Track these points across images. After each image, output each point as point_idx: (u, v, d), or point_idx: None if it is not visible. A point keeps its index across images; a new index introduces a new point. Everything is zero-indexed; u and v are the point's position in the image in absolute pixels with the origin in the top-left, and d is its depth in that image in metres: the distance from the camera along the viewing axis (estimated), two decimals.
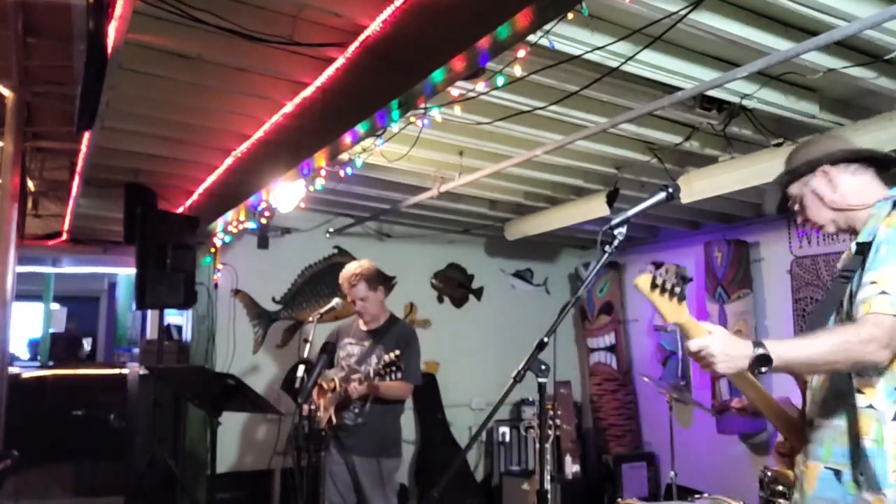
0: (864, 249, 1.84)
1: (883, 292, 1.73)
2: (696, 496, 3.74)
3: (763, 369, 1.71)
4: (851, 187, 1.98)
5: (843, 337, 1.72)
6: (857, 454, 1.75)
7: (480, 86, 3.12)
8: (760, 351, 1.70)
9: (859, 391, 1.78)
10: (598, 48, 2.82)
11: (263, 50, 2.93)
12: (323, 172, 4.20)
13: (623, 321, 6.54)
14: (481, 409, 6.45)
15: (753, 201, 5.13)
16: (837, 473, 1.80)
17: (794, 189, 2.07)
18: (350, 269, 4.12)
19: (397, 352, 3.69)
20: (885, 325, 1.70)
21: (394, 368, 3.65)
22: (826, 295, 2.02)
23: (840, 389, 1.83)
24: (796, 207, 2.08)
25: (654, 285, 1.82)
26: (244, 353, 5.72)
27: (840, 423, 1.82)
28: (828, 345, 1.72)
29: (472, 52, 2.45)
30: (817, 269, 4.95)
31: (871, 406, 1.76)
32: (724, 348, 1.74)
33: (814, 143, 2.14)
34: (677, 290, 1.84)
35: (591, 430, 6.57)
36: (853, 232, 1.97)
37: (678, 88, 3.15)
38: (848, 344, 1.70)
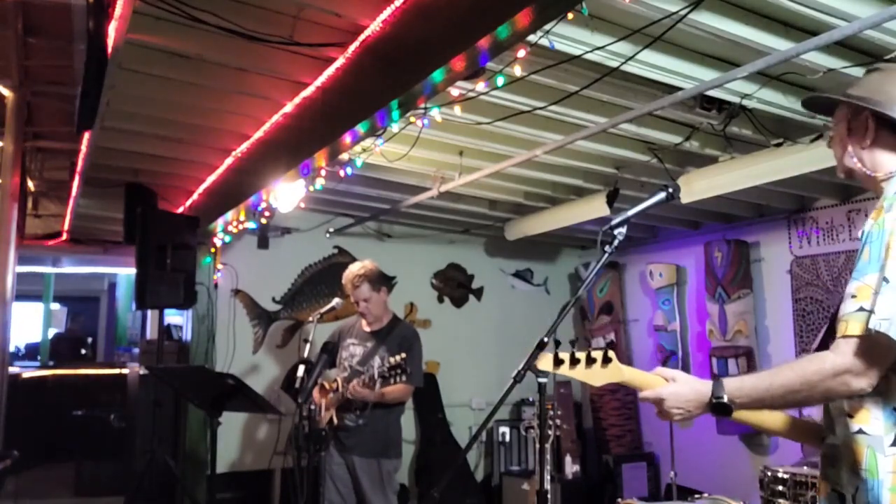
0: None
1: (861, 309, 1.50)
2: (696, 496, 3.74)
3: (723, 417, 1.63)
4: (889, 148, 1.71)
5: (805, 373, 1.55)
6: (856, 482, 1.58)
7: (480, 86, 3.12)
8: (718, 399, 1.61)
9: (849, 415, 1.59)
10: (598, 48, 2.82)
11: (263, 50, 2.93)
12: (323, 172, 4.20)
13: (623, 321, 6.54)
14: (481, 409, 6.44)
15: (753, 201, 5.14)
16: (841, 497, 1.64)
17: (840, 110, 1.82)
18: (353, 270, 4.12)
19: (403, 355, 3.69)
20: (858, 350, 1.50)
21: (398, 371, 3.65)
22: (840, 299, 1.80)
23: (838, 407, 1.66)
24: (831, 127, 1.86)
25: (557, 362, 1.73)
26: (244, 353, 5.72)
27: (842, 445, 1.65)
28: (787, 385, 1.57)
29: (472, 52, 2.46)
30: (817, 269, 4.95)
31: (861, 431, 1.56)
32: (678, 401, 1.67)
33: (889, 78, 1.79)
34: (596, 354, 1.74)
35: (591, 430, 6.57)
36: (878, 193, 1.71)
37: (678, 88, 3.15)
38: (811, 382, 1.54)
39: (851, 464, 1.60)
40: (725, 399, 1.61)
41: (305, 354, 3.86)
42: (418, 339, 4.11)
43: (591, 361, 1.74)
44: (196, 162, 4.60)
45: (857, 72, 3.01)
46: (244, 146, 4.06)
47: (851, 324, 1.52)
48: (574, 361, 1.74)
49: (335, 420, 3.98)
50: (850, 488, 1.61)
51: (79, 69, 3.48)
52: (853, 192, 4.72)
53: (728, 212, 5.36)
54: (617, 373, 1.75)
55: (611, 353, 1.75)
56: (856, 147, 1.76)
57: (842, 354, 1.52)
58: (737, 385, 1.63)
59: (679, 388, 1.69)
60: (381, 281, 4.15)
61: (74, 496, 6.67)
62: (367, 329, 4.16)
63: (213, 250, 5.77)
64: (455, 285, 6.69)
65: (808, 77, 3.10)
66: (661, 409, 1.70)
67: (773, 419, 1.87)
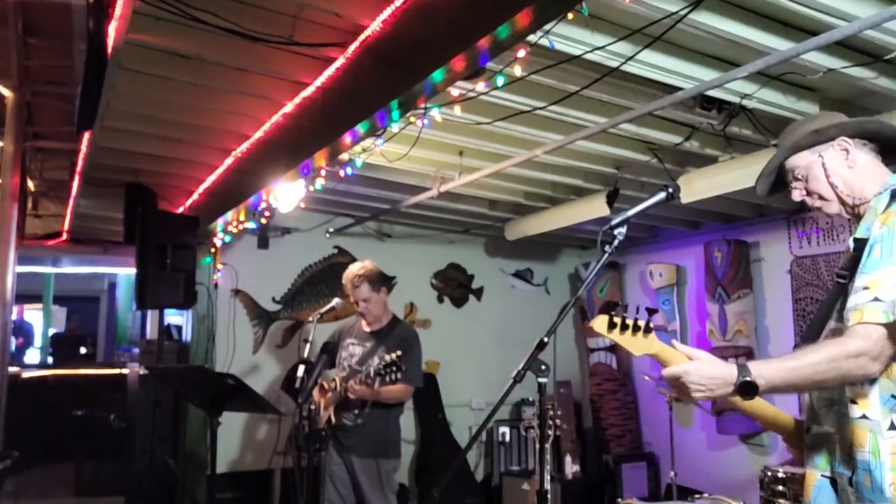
0: (861, 247, 1.73)
1: (876, 299, 1.62)
2: (696, 496, 3.74)
3: (748, 397, 1.65)
4: (866, 167, 1.85)
5: (829, 354, 1.63)
6: (853, 465, 1.68)
7: (480, 86, 3.12)
8: (745, 378, 1.64)
9: (852, 401, 1.69)
10: (598, 48, 2.82)
11: (263, 50, 2.93)
12: (323, 172, 4.20)
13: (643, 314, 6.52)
14: (481, 409, 6.45)
15: (753, 201, 5.14)
16: (833, 482, 1.74)
17: (799, 160, 1.91)
18: (353, 270, 4.12)
19: (398, 352, 3.69)
20: (875, 336, 1.61)
21: (394, 369, 3.65)
22: (824, 299, 1.90)
23: (832, 398, 1.77)
24: (798, 177, 1.91)
25: (612, 325, 1.75)
26: (244, 353, 5.72)
27: (835, 432, 1.74)
28: (813, 364, 1.64)
29: (472, 52, 2.46)
30: (817, 269, 4.95)
31: (864, 416, 1.67)
32: (702, 378, 1.67)
33: (817, 118, 1.97)
34: (640, 323, 1.77)
35: (591, 430, 6.57)
36: (857, 217, 1.85)
37: (678, 88, 3.15)
38: (835, 362, 1.62)
39: (848, 448, 1.68)
40: (751, 377, 1.64)
41: (305, 354, 3.86)
42: (418, 339, 4.11)
43: (636, 330, 1.77)
44: (196, 162, 4.60)
45: (858, 72, 3.02)
46: (244, 146, 4.06)
47: (867, 312, 1.62)
48: (624, 327, 1.76)
49: (333, 420, 3.98)
50: (847, 471, 1.69)
51: (79, 69, 3.48)
52: None
53: (728, 212, 5.36)
54: (651, 345, 1.79)
55: (651, 325, 1.79)
56: (841, 177, 1.85)
57: (860, 338, 1.62)
58: (762, 367, 1.67)
59: (703, 364, 1.69)
60: (381, 281, 4.15)
61: (74, 496, 6.67)
62: (367, 329, 4.16)
63: (213, 250, 5.77)
64: (455, 285, 6.69)
65: (808, 77, 3.10)
66: (680, 385, 1.69)
67: (780, 415, 1.93)
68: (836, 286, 1.80)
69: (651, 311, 1.83)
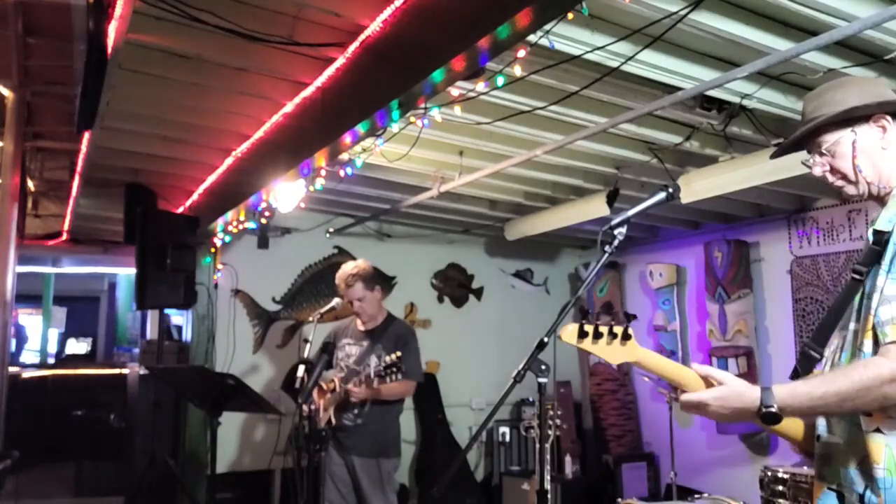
0: (880, 240, 1.59)
1: None
2: (696, 496, 3.75)
3: (770, 426, 1.55)
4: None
5: (862, 380, 1.49)
6: (865, 481, 1.56)
7: (480, 86, 3.12)
8: (769, 409, 1.53)
9: (866, 413, 1.56)
10: (598, 48, 2.82)
11: (263, 50, 2.93)
12: (323, 172, 4.20)
13: (623, 321, 6.52)
14: (481, 409, 6.45)
15: (753, 201, 5.14)
16: (840, 496, 1.62)
17: (831, 135, 1.75)
18: (346, 269, 4.12)
19: (398, 353, 3.69)
20: None
21: (394, 370, 3.65)
22: (838, 296, 1.75)
23: None
24: (825, 153, 1.76)
25: (582, 334, 1.65)
26: (244, 353, 5.72)
27: (845, 443, 1.62)
28: (844, 391, 1.50)
29: (472, 52, 2.46)
30: (817, 269, 4.95)
31: (878, 430, 1.54)
32: (723, 409, 1.59)
33: (855, 84, 1.80)
34: (617, 330, 1.66)
35: (591, 430, 6.57)
36: (881, 203, 1.72)
37: (678, 88, 3.15)
38: (869, 389, 1.48)
39: (860, 462, 1.58)
40: (776, 409, 1.53)
41: (305, 354, 3.86)
42: (414, 335, 4.11)
43: (612, 337, 1.67)
44: (196, 162, 4.60)
45: (858, 72, 3.02)
46: (244, 146, 4.06)
47: None
48: (597, 336, 1.66)
49: (333, 420, 3.98)
50: (858, 486, 1.58)
51: (79, 69, 3.48)
52: None
53: (728, 212, 5.36)
54: (631, 352, 1.69)
55: (630, 331, 1.69)
56: (871, 160, 1.72)
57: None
58: (788, 392, 1.55)
59: (725, 393, 1.60)
60: (376, 280, 4.15)
61: (74, 496, 6.67)
62: (363, 328, 4.16)
63: (213, 250, 5.77)
64: (455, 285, 6.69)
65: (808, 77, 3.10)
66: (700, 413, 1.62)
67: (798, 428, 1.82)
68: (852, 282, 1.67)
69: (629, 317, 1.78)
